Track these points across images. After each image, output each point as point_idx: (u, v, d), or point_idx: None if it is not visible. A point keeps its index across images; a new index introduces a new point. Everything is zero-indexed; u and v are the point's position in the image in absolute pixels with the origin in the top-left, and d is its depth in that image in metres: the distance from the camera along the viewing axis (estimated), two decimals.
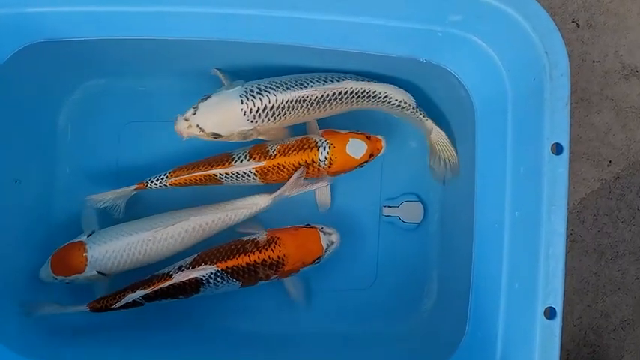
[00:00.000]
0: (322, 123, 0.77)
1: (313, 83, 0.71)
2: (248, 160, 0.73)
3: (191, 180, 0.74)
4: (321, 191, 0.78)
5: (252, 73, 0.75)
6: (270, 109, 0.71)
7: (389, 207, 0.81)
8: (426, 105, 0.75)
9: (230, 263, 0.71)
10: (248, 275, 0.72)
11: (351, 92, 0.72)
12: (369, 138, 0.74)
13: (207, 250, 0.73)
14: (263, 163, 0.73)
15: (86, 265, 0.72)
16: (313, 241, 0.74)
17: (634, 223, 0.88)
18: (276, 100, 0.70)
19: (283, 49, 0.67)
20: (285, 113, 0.71)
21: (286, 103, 0.71)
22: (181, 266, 0.72)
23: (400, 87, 0.73)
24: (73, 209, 0.79)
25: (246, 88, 0.71)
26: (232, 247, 0.72)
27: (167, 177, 0.74)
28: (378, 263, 0.82)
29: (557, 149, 0.57)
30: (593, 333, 0.88)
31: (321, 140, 0.74)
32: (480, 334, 0.65)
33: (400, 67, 0.70)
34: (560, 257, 0.57)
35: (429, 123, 0.74)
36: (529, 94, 0.59)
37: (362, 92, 0.72)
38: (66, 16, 0.64)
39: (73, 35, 0.66)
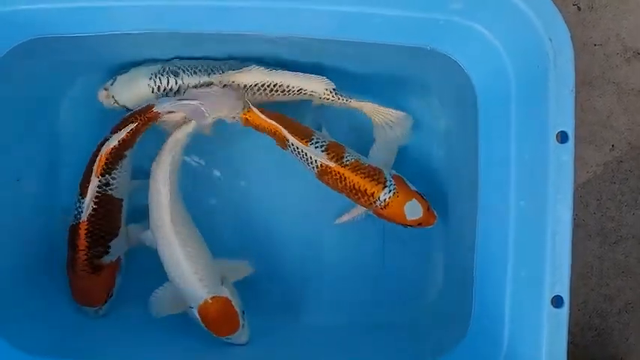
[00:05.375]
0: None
1: (223, 72, 0.72)
2: (322, 151, 0.72)
3: (264, 126, 0.71)
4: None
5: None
6: (177, 92, 0.72)
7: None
8: (428, 92, 0.74)
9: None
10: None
11: (262, 85, 0.72)
12: (428, 209, 0.73)
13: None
14: (332, 165, 0.71)
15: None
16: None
17: (637, 206, 0.88)
18: (183, 83, 0.72)
19: (280, 40, 0.67)
20: None
21: (192, 87, 0.72)
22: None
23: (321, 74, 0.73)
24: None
25: (160, 68, 0.73)
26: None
27: (246, 110, 0.71)
28: (384, 252, 0.82)
29: (562, 137, 0.56)
30: (597, 317, 0.89)
31: (391, 182, 0.72)
32: (486, 322, 0.65)
33: (402, 56, 0.70)
34: (566, 246, 0.56)
35: (355, 102, 0.73)
36: (533, 82, 0.59)
37: (274, 85, 0.72)
38: (59, 12, 0.63)
39: (67, 31, 0.66)
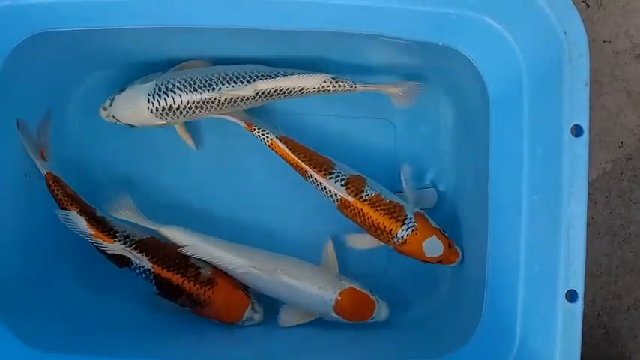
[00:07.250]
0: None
1: (222, 85, 0.71)
2: (342, 185, 0.73)
3: (286, 157, 0.74)
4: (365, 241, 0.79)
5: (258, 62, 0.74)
6: (177, 109, 0.72)
7: (402, 193, 0.81)
8: (438, 87, 0.74)
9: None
10: None
11: (263, 93, 0.72)
12: (450, 246, 0.73)
13: None
14: (351, 200, 0.72)
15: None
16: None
17: None
18: (182, 101, 0.71)
19: (296, 34, 0.66)
20: (193, 112, 0.72)
21: (193, 104, 0.71)
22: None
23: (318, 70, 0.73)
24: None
25: (156, 85, 0.72)
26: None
27: (271, 138, 0.73)
28: (391, 249, 0.81)
29: (577, 131, 0.56)
30: (606, 314, 0.88)
31: (410, 219, 0.73)
32: (497, 318, 0.65)
33: (412, 50, 0.69)
34: (581, 239, 0.56)
35: (360, 87, 0.73)
36: (546, 76, 0.59)
37: (274, 91, 0.72)
38: (70, 5, 0.63)
39: (77, 25, 0.66)
